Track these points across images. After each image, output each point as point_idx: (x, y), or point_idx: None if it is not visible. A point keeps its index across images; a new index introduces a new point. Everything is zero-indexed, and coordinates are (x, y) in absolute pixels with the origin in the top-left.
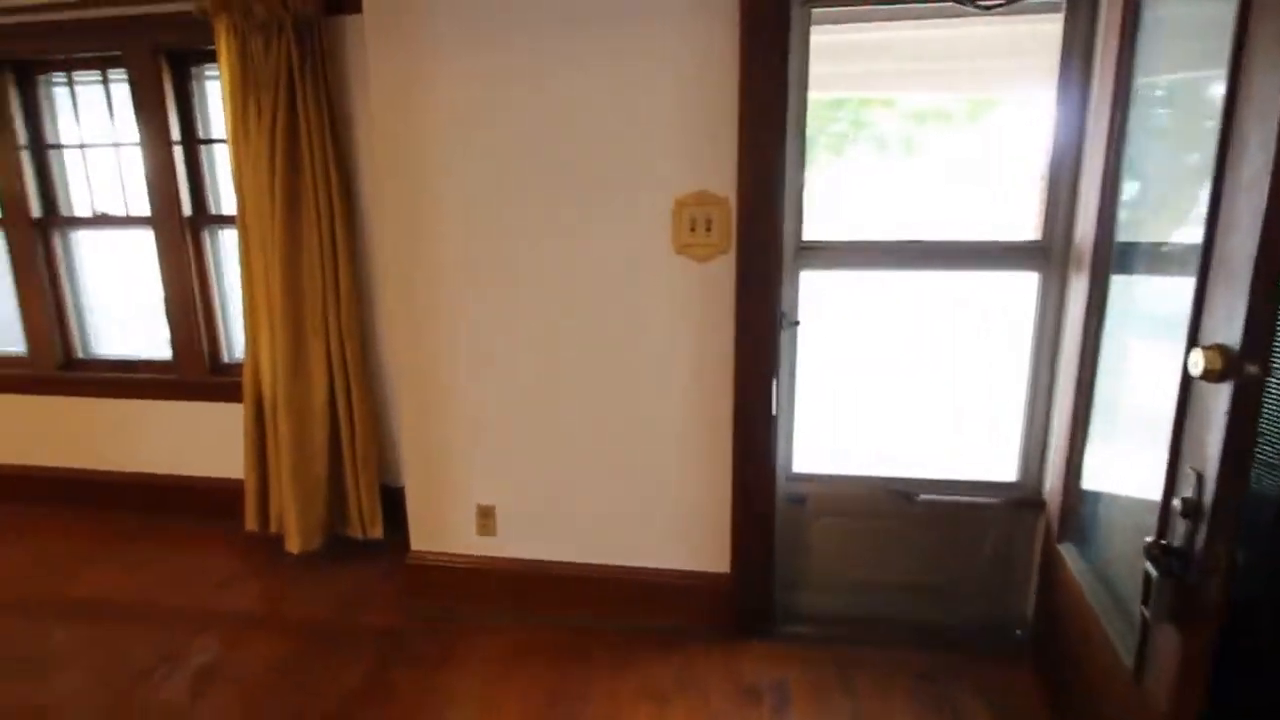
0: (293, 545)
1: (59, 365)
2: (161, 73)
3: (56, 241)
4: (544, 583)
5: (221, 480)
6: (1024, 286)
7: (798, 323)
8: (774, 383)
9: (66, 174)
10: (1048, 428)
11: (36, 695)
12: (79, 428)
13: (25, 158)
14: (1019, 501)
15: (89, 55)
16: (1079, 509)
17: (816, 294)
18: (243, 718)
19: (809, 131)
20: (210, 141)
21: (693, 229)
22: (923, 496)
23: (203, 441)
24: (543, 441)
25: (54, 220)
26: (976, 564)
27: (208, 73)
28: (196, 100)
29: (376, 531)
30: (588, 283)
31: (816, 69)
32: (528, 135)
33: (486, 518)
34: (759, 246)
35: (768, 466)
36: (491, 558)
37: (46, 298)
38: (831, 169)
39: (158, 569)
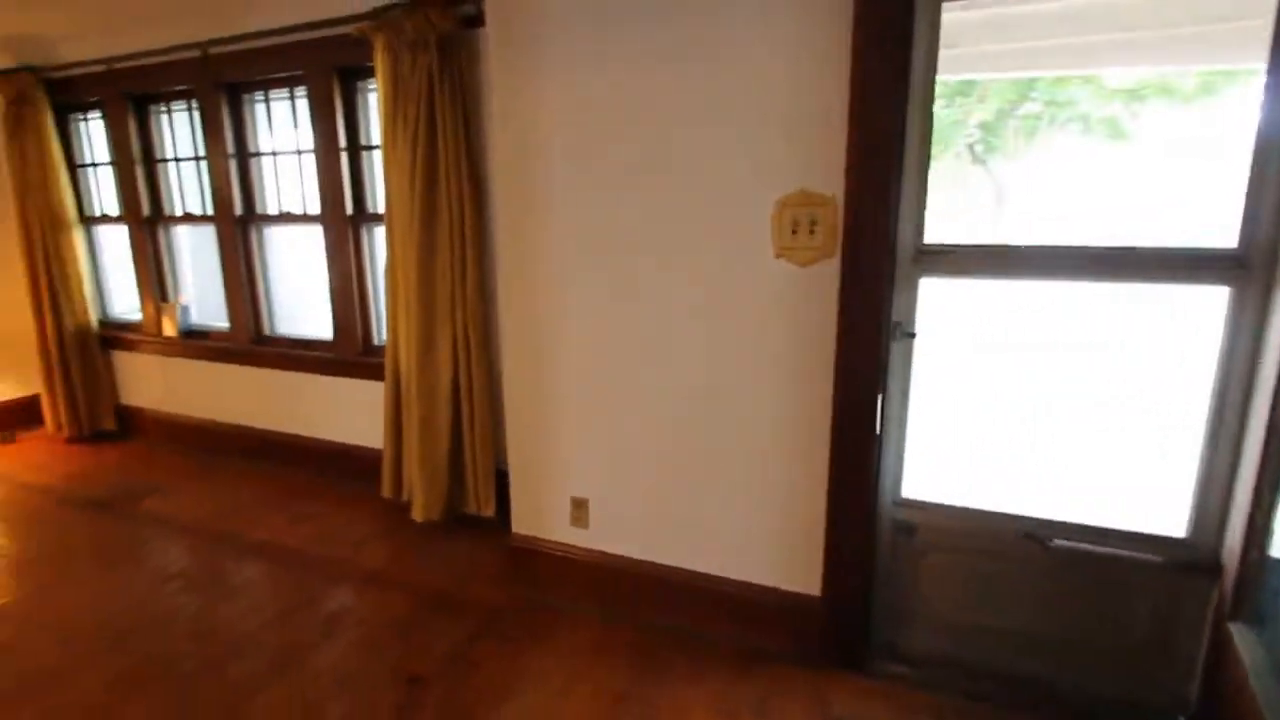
0: (417, 514)
1: (252, 340)
2: (333, 88)
3: (252, 235)
4: (630, 581)
5: (369, 449)
6: (1209, 302)
7: (914, 334)
8: (879, 398)
9: (262, 178)
10: (1232, 478)
11: (207, 613)
12: (264, 394)
13: (232, 165)
14: (1187, 564)
15: (281, 75)
16: (1263, 582)
17: (940, 303)
18: (356, 660)
19: (935, 121)
20: (370, 148)
21: (794, 231)
22: (1059, 542)
23: (355, 414)
24: (636, 441)
25: (251, 217)
26: (1125, 628)
27: (370, 86)
28: (360, 112)
29: (489, 510)
30: (684, 287)
31: (948, 50)
32: (625, 135)
33: (580, 510)
34: (868, 250)
35: (868, 488)
36: (583, 549)
37: (244, 283)
38: (966, 163)
39: (314, 523)
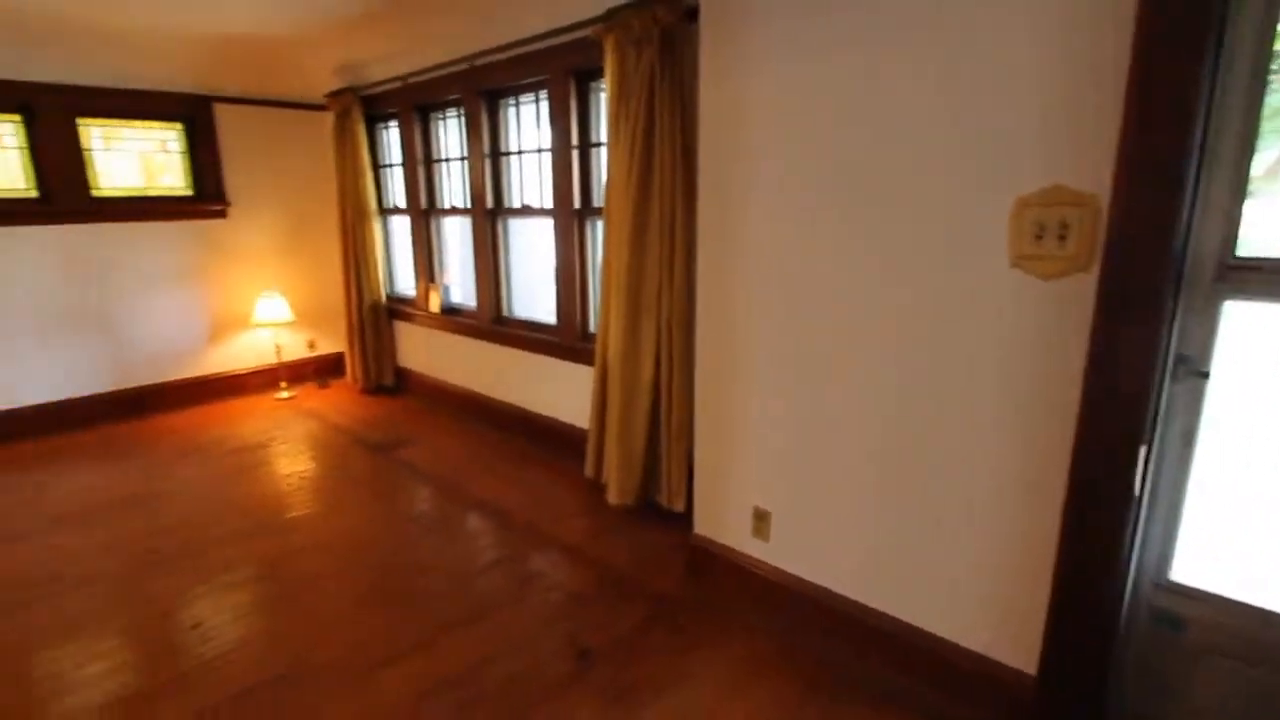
0: (612, 497)
1: (493, 320)
2: (569, 89)
3: (499, 227)
4: (810, 606)
5: (579, 429)
6: None
7: (1206, 374)
8: (1141, 451)
9: (510, 175)
10: None
11: (432, 553)
12: (498, 368)
13: (487, 164)
14: None
15: (528, 81)
16: None
17: (1253, 334)
18: (537, 623)
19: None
20: (598, 145)
21: (1039, 236)
22: None
23: (570, 394)
24: (828, 462)
25: (499, 210)
26: None
27: (602, 86)
28: (593, 111)
29: (679, 505)
30: (892, 293)
31: None
32: (838, 120)
33: (762, 521)
34: (1143, 262)
35: (1115, 564)
36: (761, 562)
37: (490, 268)
38: None
39: (525, 490)
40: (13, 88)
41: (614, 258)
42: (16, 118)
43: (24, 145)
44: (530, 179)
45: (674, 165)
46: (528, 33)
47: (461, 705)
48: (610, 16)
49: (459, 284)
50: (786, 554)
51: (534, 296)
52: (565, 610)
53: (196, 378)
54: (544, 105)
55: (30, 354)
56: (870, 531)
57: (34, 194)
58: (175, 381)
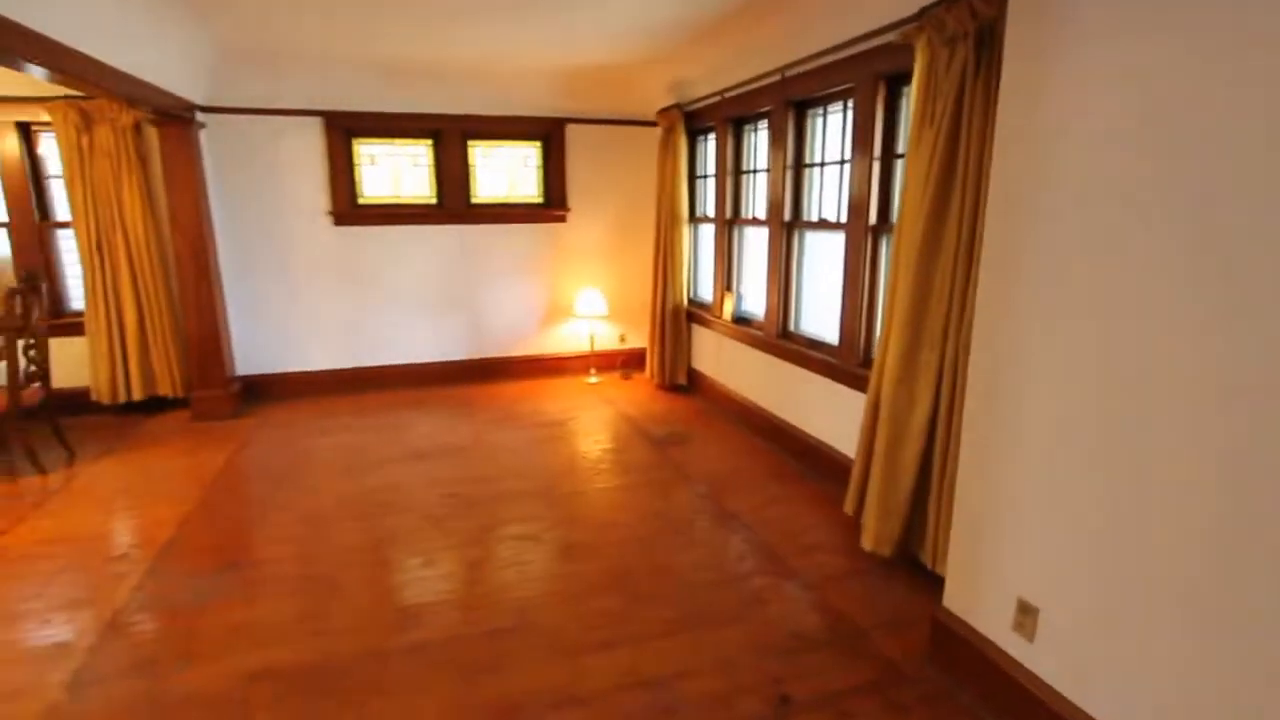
0: (866, 541)
1: (777, 333)
2: (875, 96)
3: (794, 239)
4: None
5: (847, 458)
6: None
7: None
8: None
9: (810, 187)
10: None
11: (672, 554)
12: (775, 381)
13: (788, 175)
14: None
15: (835, 90)
16: None
17: None
18: (749, 648)
19: None
20: (900, 156)
21: None
22: None
23: (843, 420)
24: (1138, 562)
25: (795, 223)
26: None
27: (909, 92)
28: (900, 119)
29: (944, 569)
30: (1232, 345)
31: None
32: (1178, 122)
33: (1025, 615)
34: None
35: None
36: (1017, 663)
37: (781, 280)
38: None
39: (780, 511)
40: (428, 119)
41: (899, 279)
42: (429, 141)
43: (431, 163)
44: (828, 191)
45: (979, 180)
46: (838, 38)
47: (653, 709)
48: (922, 15)
49: (752, 294)
50: (1053, 664)
51: (821, 313)
52: (782, 647)
53: (526, 356)
54: (849, 115)
55: (420, 324)
56: (1177, 661)
57: (433, 200)
58: (511, 357)
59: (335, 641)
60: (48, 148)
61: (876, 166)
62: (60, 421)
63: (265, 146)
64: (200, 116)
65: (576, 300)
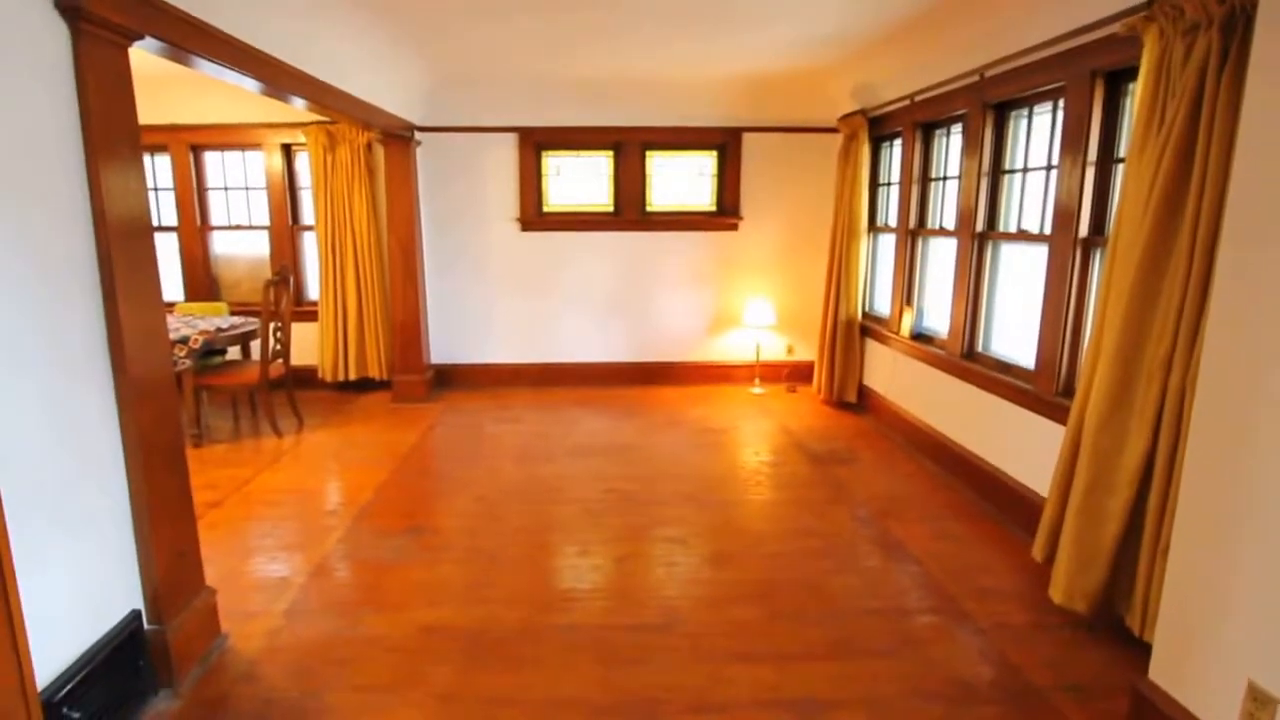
0: (1055, 593)
1: (962, 354)
2: (1090, 95)
3: (986, 252)
4: None
5: (1038, 497)
6: None
7: None
8: None
9: (1009, 195)
10: None
11: (823, 578)
12: (957, 406)
13: (983, 182)
14: None
15: (1042, 90)
16: None
17: None
18: (900, 689)
19: None
20: (1120, 161)
21: None
22: None
23: (1036, 454)
24: None
25: (989, 234)
26: None
27: (1132, 90)
28: (1122, 121)
29: (1152, 636)
30: None
31: None
32: None
33: (1260, 707)
34: None
35: None
36: None
37: (968, 296)
38: None
39: (953, 547)
40: (611, 131)
41: (1112, 299)
42: (609, 152)
43: (611, 173)
44: (1029, 201)
45: (1219, 191)
46: (1045, 35)
47: None
48: (1152, 2)
49: (934, 309)
50: None
51: (1014, 333)
52: (943, 694)
53: (692, 362)
54: (1058, 117)
55: (592, 325)
56: None
57: (610, 209)
58: (677, 363)
59: (497, 610)
60: (300, 164)
61: (1091, 173)
62: (295, 394)
63: (467, 160)
64: (417, 135)
65: (745, 309)
